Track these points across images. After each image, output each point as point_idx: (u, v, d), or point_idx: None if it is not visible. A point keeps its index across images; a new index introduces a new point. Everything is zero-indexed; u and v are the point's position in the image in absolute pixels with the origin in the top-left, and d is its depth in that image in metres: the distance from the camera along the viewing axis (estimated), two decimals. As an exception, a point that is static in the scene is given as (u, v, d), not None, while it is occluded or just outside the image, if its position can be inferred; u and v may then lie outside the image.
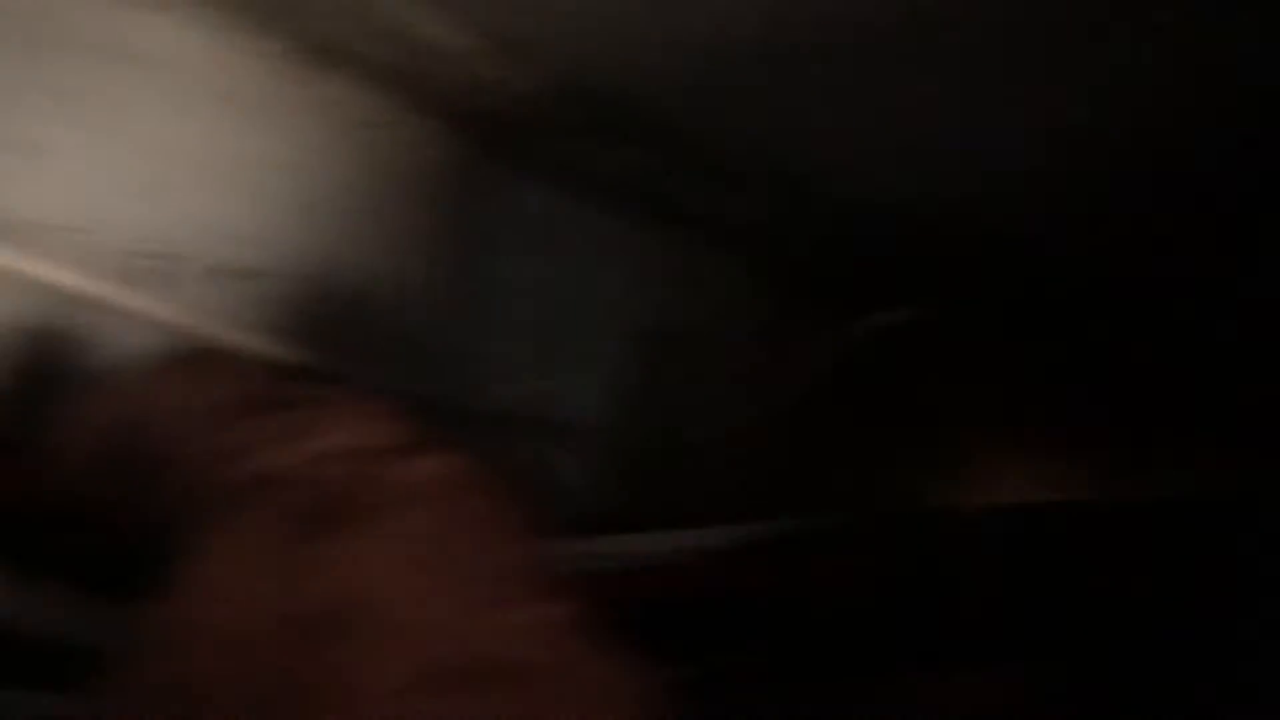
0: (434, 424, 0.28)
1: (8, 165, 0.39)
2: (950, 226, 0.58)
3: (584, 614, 0.22)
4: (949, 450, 0.69)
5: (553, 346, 0.58)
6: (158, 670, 0.21)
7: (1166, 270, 0.60)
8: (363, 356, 0.49)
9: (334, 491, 0.23)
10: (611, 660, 0.21)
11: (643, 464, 0.59)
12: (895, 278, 0.65)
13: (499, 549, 0.23)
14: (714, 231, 0.63)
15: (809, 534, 0.57)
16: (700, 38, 0.40)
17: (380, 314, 0.51)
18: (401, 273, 0.51)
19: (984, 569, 0.58)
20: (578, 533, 0.48)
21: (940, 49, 0.40)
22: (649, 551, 0.50)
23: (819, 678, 0.51)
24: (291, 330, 0.47)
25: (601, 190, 0.59)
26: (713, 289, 0.65)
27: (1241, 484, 0.64)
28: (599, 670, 0.21)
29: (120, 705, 0.22)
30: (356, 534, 0.22)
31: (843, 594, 0.55)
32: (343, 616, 0.20)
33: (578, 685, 0.21)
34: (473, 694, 0.20)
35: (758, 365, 0.66)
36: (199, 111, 0.44)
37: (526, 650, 0.21)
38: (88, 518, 0.32)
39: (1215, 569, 0.56)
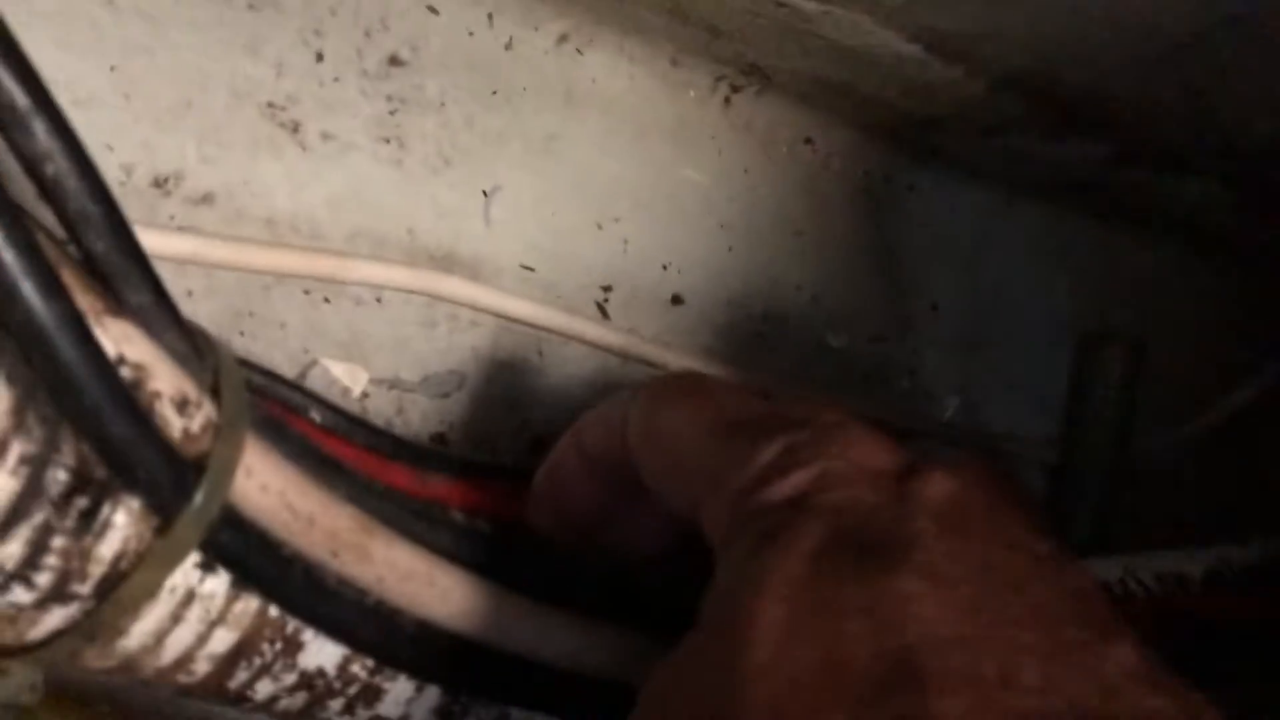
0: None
1: (473, 206, 0.42)
2: None
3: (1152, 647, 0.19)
4: None
5: (986, 357, 0.55)
6: (697, 710, 0.20)
7: None
8: (790, 378, 0.49)
9: (865, 520, 0.21)
10: (1197, 699, 0.18)
11: (1089, 478, 0.54)
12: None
13: (1051, 575, 0.21)
14: (1169, 228, 0.57)
15: None
16: (1145, 19, 0.35)
17: (807, 333, 0.50)
18: (828, 291, 0.51)
19: None
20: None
21: None
22: (1144, 573, 0.47)
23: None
24: (723, 353, 0.48)
25: (1040, 191, 0.55)
26: (1167, 291, 0.61)
27: None
28: (1203, 711, 0.18)
29: None
30: (898, 567, 0.20)
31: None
32: (908, 663, 0.18)
33: None
34: None
35: (1218, 372, 0.60)
36: (628, 145, 0.46)
37: (1135, 698, 0.18)
38: (581, 545, 0.32)
39: None
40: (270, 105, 0.37)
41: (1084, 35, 0.37)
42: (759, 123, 0.49)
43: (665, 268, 0.46)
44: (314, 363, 0.37)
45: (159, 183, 0.35)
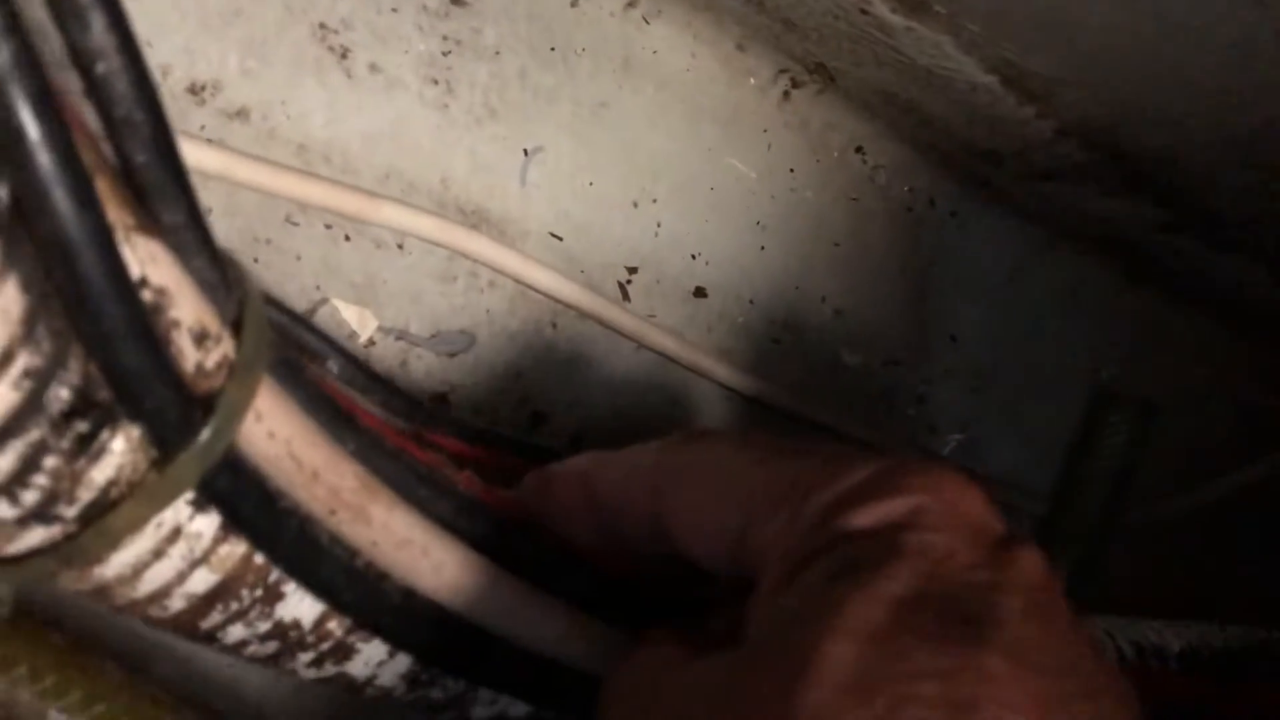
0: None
1: (510, 164, 0.41)
2: None
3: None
4: None
5: (996, 397, 0.55)
6: None
7: None
8: (798, 389, 0.49)
9: (958, 579, 0.21)
10: None
11: (1075, 537, 0.54)
12: None
13: (1117, 690, 0.21)
14: (1202, 299, 0.58)
15: (1263, 649, 0.50)
16: (1230, 101, 0.36)
17: (823, 347, 0.50)
18: (852, 307, 0.50)
19: None
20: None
21: None
22: (1124, 639, 0.46)
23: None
24: (737, 354, 0.47)
25: (1081, 240, 0.55)
26: (1188, 360, 0.61)
27: None
28: None
29: None
30: (985, 643, 0.19)
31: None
32: None
33: None
34: None
35: (1228, 445, 0.60)
36: (678, 124, 0.45)
37: None
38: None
39: None
40: (322, 26, 0.36)
41: (1167, 102, 0.37)
42: (814, 122, 0.48)
43: (694, 257, 0.46)
44: (324, 300, 0.37)
45: (195, 89, 0.34)
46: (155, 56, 0.33)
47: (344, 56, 0.36)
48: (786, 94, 0.47)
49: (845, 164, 0.49)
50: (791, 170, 0.48)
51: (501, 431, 0.40)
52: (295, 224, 0.36)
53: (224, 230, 0.34)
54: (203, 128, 0.34)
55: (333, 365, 0.30)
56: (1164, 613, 0.50)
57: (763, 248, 0.47)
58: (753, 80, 0.46)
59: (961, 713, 0.18)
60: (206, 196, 0.34)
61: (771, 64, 0.46)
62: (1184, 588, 0.61)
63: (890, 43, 0.39)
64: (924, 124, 0.47)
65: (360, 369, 0.32)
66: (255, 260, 0.35)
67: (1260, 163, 0.39)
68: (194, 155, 0.33)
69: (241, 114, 0.35)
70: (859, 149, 0.49)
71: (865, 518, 0.22)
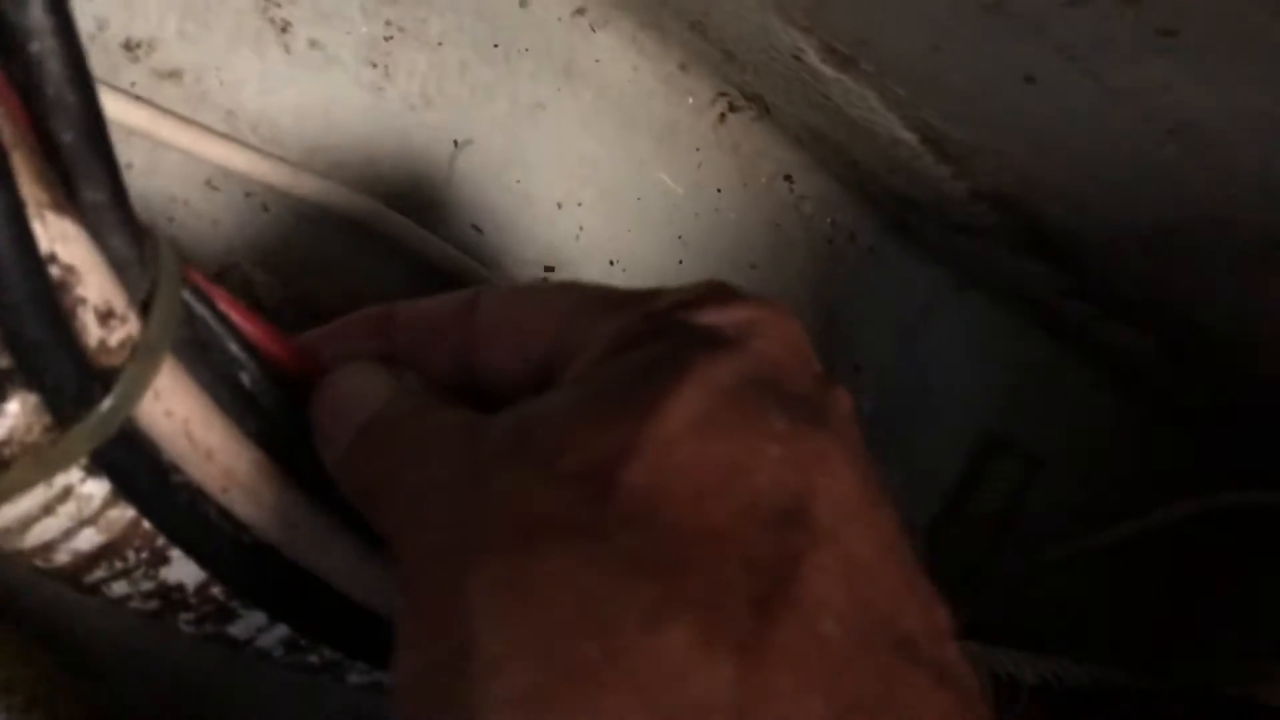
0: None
1: (439, 154, 0.42)
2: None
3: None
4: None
5: (888, 430, 0.58)
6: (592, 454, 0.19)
7: None
8: None
9: (793, 383, 0.21)
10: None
11: (950, 577, 0.56)
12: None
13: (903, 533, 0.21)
14: (1101, 356, 0.61)
15: (1112, 690, 0.55)
16: (1130, 195, 0.39)
17: None
18: None
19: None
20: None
21: None
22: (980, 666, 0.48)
23: None
24: None
25: (990, 288, 0.58)
26: (1079, 415, 0.64)
27: None
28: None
29: None
30: (821, 428, 0.20)
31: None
32: (807, 512, 0.19)
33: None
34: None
35: (1105, 502, 0.64)
36: (612, 133, 0.47)
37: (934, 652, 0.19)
38: None
39: None
40: (266, -2, 0.37)
41: (1073, 186, 0.40)
42: (746, 147, 0.50)
43: (612, 264, 0.48)
44: (235, 265, 0.38)
45: (130, 46, 0.35)
46: (93, 9, 0.34)
47: (284, 30, 0.37)
48: (723, 117, 0.49)
49: (772, 191, 0.52)
50: (719, 190, 0.50)
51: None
52: (216, 188, 0.37)
53: (142, 188, 0.35)
54: (133, 84, 0.35)
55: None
56: (1029, 650, 0.54)
57: (681, 262, 0.50)
58: (691, 100, 0.48)
59: (797, 476, 0.19)
60: (128, 152, 0.35)
61: (711, 86, 0.48)
62: (1058, 630, 0.65)
63: (820, 89, 0.41)
64: (851, 165, 0.49)
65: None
66: (170, 220, 0.36)
67: (1156, 254, 0.43)
68: (120, 109, 0.34)
69: (174, 75, 0.36)
70: (788, 177, 0.52)
71: (708, 317, 0.22)
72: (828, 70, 0.39)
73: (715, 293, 0.23)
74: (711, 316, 0.22)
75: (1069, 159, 0.38)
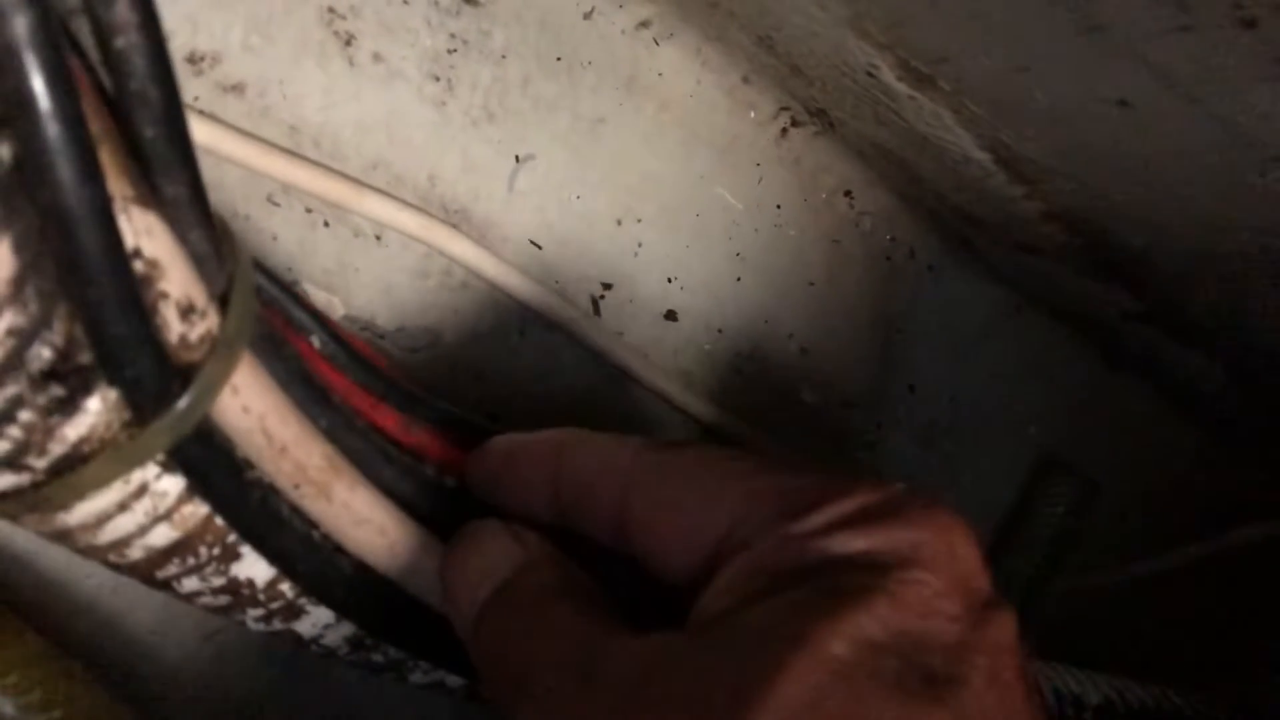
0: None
1: (501, 169, 0.42)
2: None
3: None
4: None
5: (944, 452, 0.57)
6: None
7: None
8: (752, 420, 0.50)
9: (935, 633, 0.21)
10: None
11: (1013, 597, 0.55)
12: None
13: None
14: (1162, 379, 0.60)
15: (1175, 712, 0.52)
16: (1202, 214, 0.38)
17: (784, 383, 0.51)
18: (818, 347, 0.52)
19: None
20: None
21: None
22: (1044, 683, 0.48)
23: None
24: (699, 380, 0.48)
25: (1051, 310, 0.57)
26: (1139, 441, 0.63)
27: None
28: None
29: None
30: (942, 705, 0.20)
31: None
32: None
33: None
34: None
35: (1162, 523, 0.63)
36: (673, 147, 0.46)
37: None
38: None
39: None
40: (331, 10, 0.36)
41: (1154, 211, 0.39)
42: (807, 162, 0.49)
43: (670, 280, 0.47)
44: (295, 284, 0.37)
45: (194, 59, 0.34)
46: (158, 21, 0.33)
47: (348, 43, 0.37)
48: (784, 131, 0.48)
49: (832, 206, 0.51)
50: (779, 206, 0.49)
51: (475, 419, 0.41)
52: (276, 204, 0.37)
53: (204, 203, 0.35)
54: (196, 99, 0.35)
55: (316, 341, 0.31)
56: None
57: (739, 279, 0.49)
58: (753, 113, 0.47)
59: None
60: (191, 167, 0.34)
61: (774, 100, 0.47)
62: (1116, 653, 0.64)
63: (892, 105, 0.40)
64: (914, 181, 0.48)
65: (349, 353, 0.33)
66: (231, 236, 0.36)
67: (1232, 283, 0.41)
68: (184, 125, 0.33)
69: (237, 89, 0.35)
70: (848, 193, 0.51)
71: (861, 542, 0.22)
72: (902, 87, 0.38)
73: (883, 507, 0.23)
74: (868, 541, 0.22)
75: (1155, 185, 0.37)
